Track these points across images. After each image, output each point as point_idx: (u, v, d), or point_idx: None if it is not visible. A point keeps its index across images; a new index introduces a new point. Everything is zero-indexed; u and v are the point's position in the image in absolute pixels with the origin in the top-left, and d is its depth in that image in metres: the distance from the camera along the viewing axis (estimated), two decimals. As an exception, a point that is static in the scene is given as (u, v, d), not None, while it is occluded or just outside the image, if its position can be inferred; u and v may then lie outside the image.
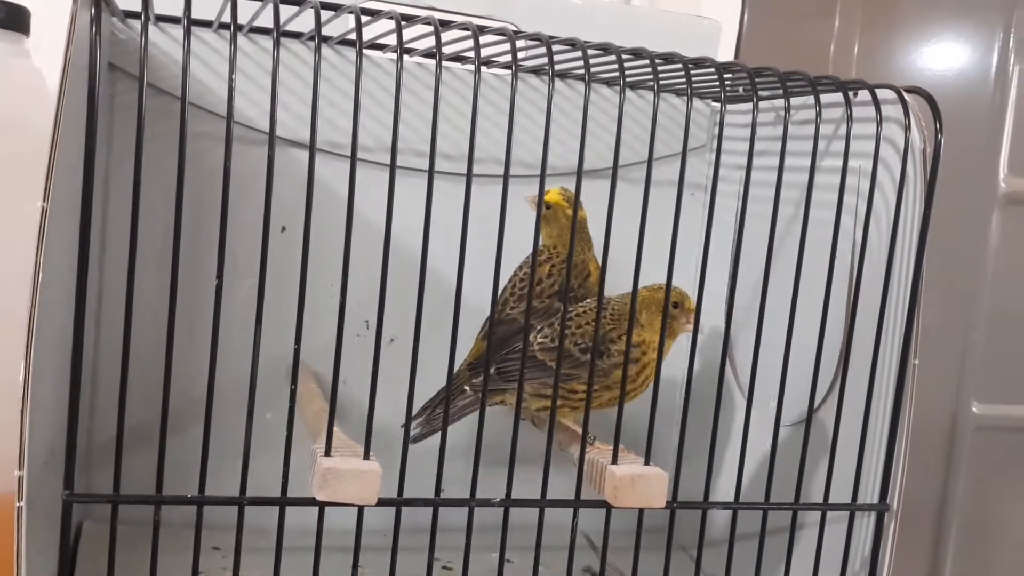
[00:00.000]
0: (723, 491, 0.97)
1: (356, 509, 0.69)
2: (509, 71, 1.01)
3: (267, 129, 0.86)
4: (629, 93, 1.06)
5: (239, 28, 0.75)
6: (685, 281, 0.83)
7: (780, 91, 0.86)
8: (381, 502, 0.69)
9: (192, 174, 0.66)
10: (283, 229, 0.96)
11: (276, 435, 0.70)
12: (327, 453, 0.68)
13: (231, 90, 0.65)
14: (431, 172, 0.69)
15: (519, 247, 0.82)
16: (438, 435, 0.74)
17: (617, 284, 0.84)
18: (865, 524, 0.82)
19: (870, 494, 0.82)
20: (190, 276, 0.72)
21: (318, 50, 0.66)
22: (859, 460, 0.80)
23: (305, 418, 0.80)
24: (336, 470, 0.66)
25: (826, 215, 0.80)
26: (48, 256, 0.62)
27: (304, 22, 0.85)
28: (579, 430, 0.78)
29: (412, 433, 0.76)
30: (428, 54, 0.97)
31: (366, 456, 0.68)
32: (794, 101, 0.95)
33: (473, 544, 0.76)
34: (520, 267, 0.94)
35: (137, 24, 0.91)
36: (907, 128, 0.77)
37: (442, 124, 0.97)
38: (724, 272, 0.96)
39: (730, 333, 0.98)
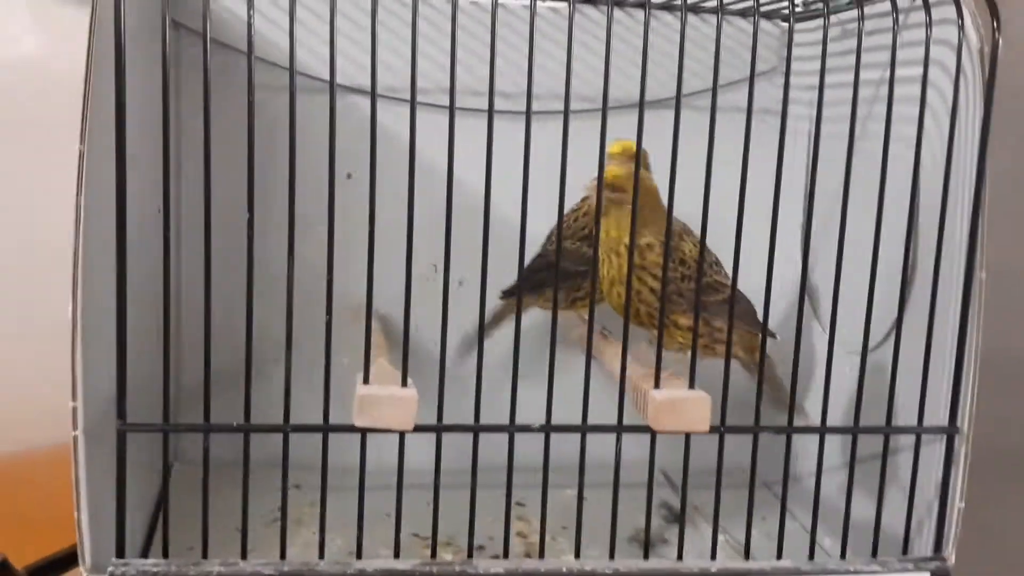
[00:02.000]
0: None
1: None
2: (562, 3, 1.00)
3: (325, 76, 0.88)
4: (689, 18, 1.03)
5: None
6: (757, 212, 0.80)
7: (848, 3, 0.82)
8: (421, 428, 0.70)
9: (257, 126, 0.69)
10: (348, 176, 0.98)
11: (351, 379, 0.72)
12: (366, 381, 0.69)
13: (292, 39, 0.68)
14: (491, 111, 0.70)
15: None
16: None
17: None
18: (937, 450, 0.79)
19: (940, 417, 0.78)
20: (258, 225, 0.73)
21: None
22: (923, 383, 0.77)
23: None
24: (373, 396, 0.68)
25: (894, 130, 0.76)
26: (93, 200, 0.65)
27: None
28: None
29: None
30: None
31: (404, 384, 0.69)
32: (852, 13, 0.92)
33: (549, 481, 0.76)
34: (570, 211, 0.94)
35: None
36: (961, 27, 0.73)
37: (498, 62, 0.97)
38: (794, 198, 0.93)
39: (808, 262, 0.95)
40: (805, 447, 0.97)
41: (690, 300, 0.79)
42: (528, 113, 0.71)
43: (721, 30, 0.73)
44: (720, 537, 0.90)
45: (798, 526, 0.95)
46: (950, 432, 0.77)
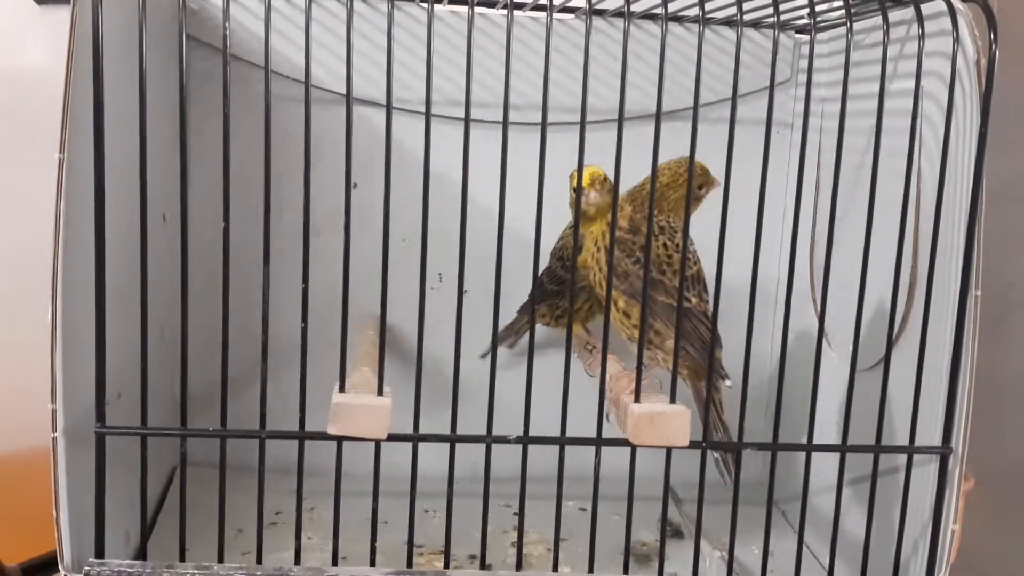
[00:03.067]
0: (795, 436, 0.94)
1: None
2: (571, 16, 1.00)
3: (335, 88, 0.89)
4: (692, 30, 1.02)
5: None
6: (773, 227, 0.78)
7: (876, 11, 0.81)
8: (395, 437, 0.70)
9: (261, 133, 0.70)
10: (354, 185, 0.99)
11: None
12: (342, 390, 0.69)
13: (307, 51, 0.68)
14: (505, 123, 0.70)
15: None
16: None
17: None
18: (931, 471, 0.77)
19: (934, 437, 0.76)
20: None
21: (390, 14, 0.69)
22: (915, 401, 0.75)
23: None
24: (347, 405, 0.68)
25: (893, 142, 0.75)
26: (77, 207, 0.67)
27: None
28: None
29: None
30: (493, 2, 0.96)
31: (380, 393, 0.70)
32: (860, 24, 0.90)
33: (544, 491, 0.76)
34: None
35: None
36: (955, 40, 0.71)
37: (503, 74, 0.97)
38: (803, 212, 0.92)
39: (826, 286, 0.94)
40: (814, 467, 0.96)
41: (635, 286, 0.78)
42: (543, 125, 0.70)
43: (741, 43, 0.72)
44: (716, 553, 0.89)
45: (792, 545, 0.93)
46: (943, 452, 0.75)
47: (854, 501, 0.86)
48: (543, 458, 0.76)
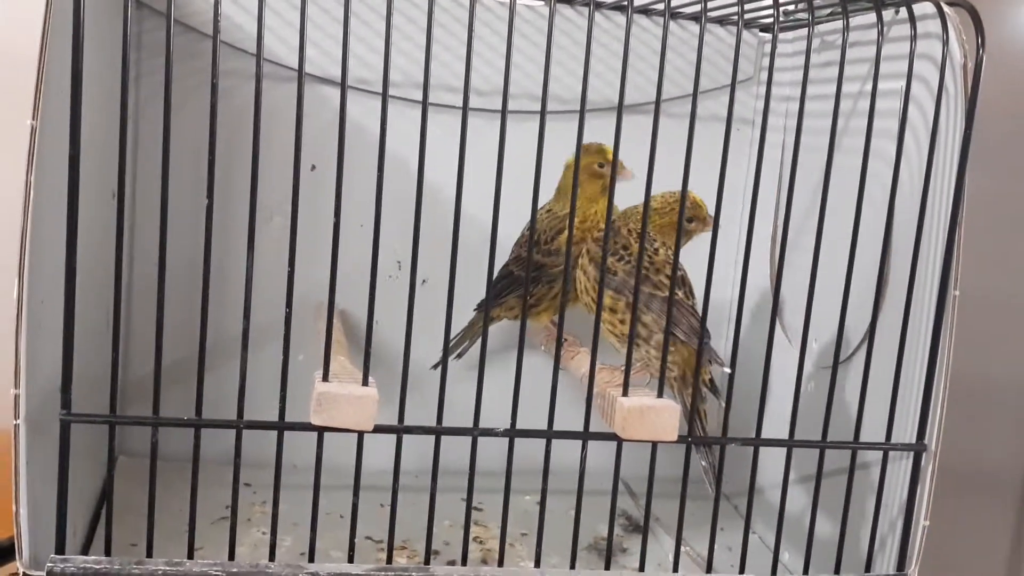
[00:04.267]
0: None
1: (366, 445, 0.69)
2: (539, 2, 0.98)
3: (294, 65, 0.86)
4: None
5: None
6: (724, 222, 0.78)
7: (831, 13, 0.82)
8: (381, 429, 0.68)
9: (221, 112, 0.65)
10: (312, 167, 0.96)
11: (308, 376, 0.70)
12: (325, 379, 0.67)
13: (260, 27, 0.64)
14: (465, 109, 0.68)
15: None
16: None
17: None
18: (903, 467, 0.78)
19: (909, 434, 0.77)
20: (221, 215, 0.70)
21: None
22: (892, 399, 0.76)
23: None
24: (331, 394, 0.65)
25: (873, 144, 0.75)
26: (44, 180, 0.62)
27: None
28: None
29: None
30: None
31: (364, 382, 0.67)
32: (832, 25, 0.91)
33: (492, 485, 0.75)
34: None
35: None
36: (945, 42, 0.72)
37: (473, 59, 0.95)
38: (765, 210, 0.92)
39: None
40: (771, 461, 0.96)
41: (621, 280, 0.78)
42: (504, 112, 0.68)
43: (703, 38, 0.71)
44: (682, 549, 0.89)
45: (756, 539, 0.94)
46: (917, 449, 0.76)
47: (821, 497, 0.86)
48: (494, 452, 0.75)
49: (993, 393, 1.14)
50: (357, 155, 0.73)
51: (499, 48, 0.96)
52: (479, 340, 0.92)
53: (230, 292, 0.87)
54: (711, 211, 0.78)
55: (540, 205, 0.92)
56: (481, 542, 0.91)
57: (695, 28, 1.02)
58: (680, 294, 0.78)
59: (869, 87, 0.84)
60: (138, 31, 0.92)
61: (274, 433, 0.67)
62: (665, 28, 0.69)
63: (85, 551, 0.78)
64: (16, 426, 0.62)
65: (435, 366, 0.90)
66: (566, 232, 0.89)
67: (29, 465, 0.64)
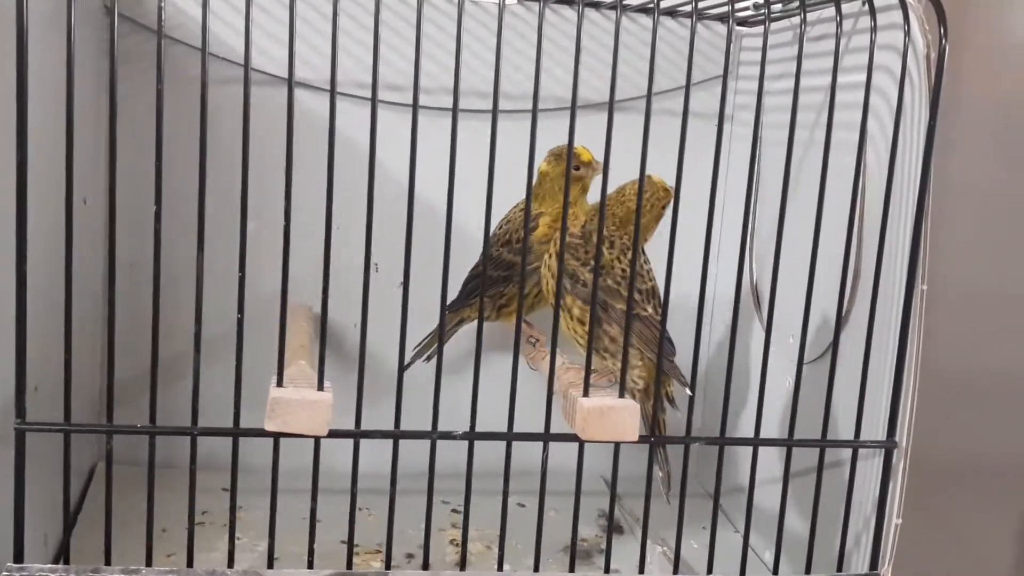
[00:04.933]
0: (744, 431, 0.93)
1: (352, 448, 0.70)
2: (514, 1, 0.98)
3: (277, 73, 0.85)
4: (643, 19, 1.01)
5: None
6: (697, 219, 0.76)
7: (796, 8, 0.81)
8: (337, 434, 0.67)
9: (189, 115, 0.65)
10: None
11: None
12: (279, 384, 0.66)
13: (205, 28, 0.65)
14: (455, 111, 0.68)
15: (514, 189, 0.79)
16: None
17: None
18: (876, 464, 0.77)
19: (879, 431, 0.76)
20: (185, 220, 0.70)
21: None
22: (861, 396, 0.75)
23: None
24: (285, 400, 0.65)
25: (840, 136, 0.74)
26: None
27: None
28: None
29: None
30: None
31: (320, 387, 0.67)
32: (811, 16, 0.90)
33: (483, 487, 0.74)
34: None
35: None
36: (907, 32, 0.71)
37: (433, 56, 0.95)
38: (737, 206, 0.91)
39: (752, 268, 0.94)
40: (746, 459, 0.95)
41: (584, 291, 0.78)
42: (495, 112, 0.68)
43: (657, 32, 0.71)
44: (657, 548, 0.88)
45: (737, 539, 0.93)
46: (888, 447, 0.75)
47: (794, 495, 0.86)
48: (480, 454, 0.74)
49: (979, 387, 1.12)
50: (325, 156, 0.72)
51: (476, 50, 0.95)
52: (449, 342, 0.92)
53: (209, 294, 0.87)
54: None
55: (514, 203, 0.92)
56: (457, 544, 0.90)
57: (669, 23, 1.01)
58: (649, 309, 0.78)
59: (840, 79, 0.83)
60: (104, 36, 0.92)
61: (259, 439, 0.67)
62: (616, 22, 0.68)
63: (58, 560, 0.78)
64: (-30, 435, 0.62)
65: (404, 368, 0.89)
66: (538, 230, 0.89)
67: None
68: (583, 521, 0.91)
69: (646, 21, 0.98)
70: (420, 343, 0.93)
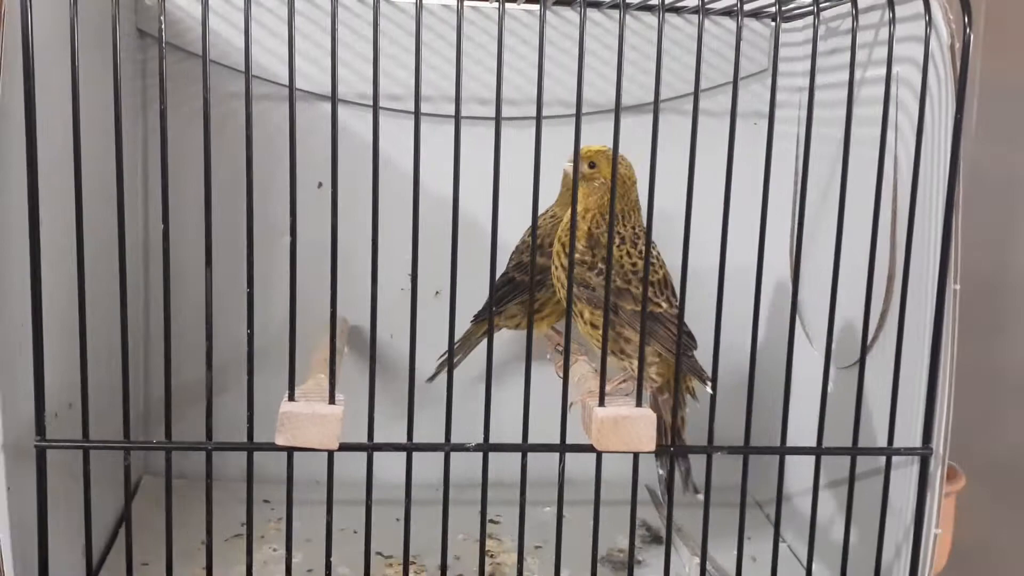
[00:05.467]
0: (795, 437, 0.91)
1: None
2: (532, 5, 0.97)
3: (310, 89, 0.85)
4: (675, 19, 0.99)
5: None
6: (744, 221, 0.74)
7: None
8: (350, 447, 0.67)
9: (230, 133, 0.66)
10: (319, 185, 0.96)
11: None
12: (291, 398, 0.67)
13: (247, 44, 0.66)
14: (457, 118, 0.68)
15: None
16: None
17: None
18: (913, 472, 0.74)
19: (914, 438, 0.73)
20: (232, 235, 0.71)
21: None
22: (893, 400, 0.72)
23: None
24: (293, 414, 0.65)
25: (872, 132, 0.72)
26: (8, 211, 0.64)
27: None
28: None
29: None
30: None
31: (332, 400, 0.67)
32: (837, 10, 0.87)
33: (529, 497, 0.73)
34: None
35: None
36: (927, 23, 0.68)
37: (476, 68, 0.95)
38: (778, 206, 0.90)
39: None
40: (800, 468, 0.93)
41: (599, 295, 0.76)
42: (498, 119, 0.68)
43: (703, 30, 0.69)
44: (694, 559, 0.86)
45: (783, 549, 0.90)
46: (923, 454, 0.72)
47: (835, 503, 0.83)
48: (517, 465, 0.73)
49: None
50: (367, 171, 0.70)
51: (494, 54, 0.95)
52: (473, 352, 0.92)
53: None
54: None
55: (543, 210, 0.91)
56: (492, 556, 0.90)
57: (707, 23, 0.99)
58: (664, 305, 0.76)
59: (870, 73, 0.81)
60: (143, 59, 0.94)
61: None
62: (700, 26, 0.67)
63: (96, 573, 0.80)
64: (-8, 453, 0.64)
65: (431, 379, 0.89)
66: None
67: (11, 492, 0.65)
68: (620, 530, 0.90)
69: (660, 20, 0.96)
70: (445, 353, 0.92)
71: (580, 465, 0.75)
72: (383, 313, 0.71)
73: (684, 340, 0.74)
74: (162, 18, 0.64)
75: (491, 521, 0.95)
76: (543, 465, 0.75)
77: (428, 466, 0.75)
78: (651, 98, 0.69)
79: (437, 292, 0.99)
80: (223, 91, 0.90)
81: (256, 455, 0.68)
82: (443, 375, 0.90)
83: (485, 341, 0.93)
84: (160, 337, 0.78)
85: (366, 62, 0.96)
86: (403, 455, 0.70)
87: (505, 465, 0.73)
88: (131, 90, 0.93)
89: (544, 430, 0.72)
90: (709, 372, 0.73)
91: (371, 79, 0.66)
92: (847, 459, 0.74)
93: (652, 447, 0.68)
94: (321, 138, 0.69)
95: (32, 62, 0.61)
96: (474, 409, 0.71)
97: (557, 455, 0.71)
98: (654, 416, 0.68)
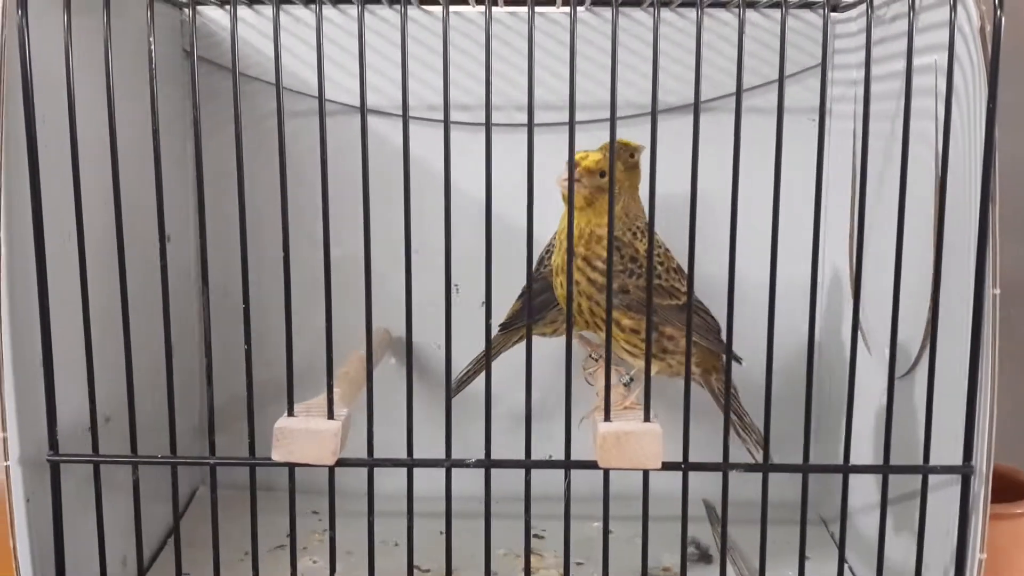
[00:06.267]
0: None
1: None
2: (560, 11, 0.94)
3: (351, 102, 0.86)
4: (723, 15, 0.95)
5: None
6: (793, 221, 0.72)
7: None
8: (350, 463, 0.67)
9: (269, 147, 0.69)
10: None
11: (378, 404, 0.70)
12: (289, 413, 0.67)
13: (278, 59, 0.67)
14: (485, 127, 0.67)
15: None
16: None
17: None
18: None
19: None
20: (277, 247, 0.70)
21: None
22: (928, 416, 0.67)
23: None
24: (289, 430, 0.65)
25: (925, 126, 0.69)
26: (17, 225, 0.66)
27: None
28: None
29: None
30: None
31: (330, 415, 0.66)
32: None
33: (572, 512, 0.71)
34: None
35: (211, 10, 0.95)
36: (952, 6, 0.63)
37: (510, 75, 0.93)
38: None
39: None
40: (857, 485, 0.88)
41: (637, 298, 0.74)
42: (530, 125, 0.66)
43: (744, 24, 0.67)
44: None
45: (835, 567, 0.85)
46: (964, 472, 0.66)
47: (890, 522, 0.78)
48: (550, 477, 0.72)
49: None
50: (392, 180, 0.70)
51: (516, 63, 0.94)
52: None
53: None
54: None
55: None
56: (534, 572, 0.88)
57: (756, 17, 0.95)
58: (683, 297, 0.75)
59: (918, 62, 0.75)
60: (186, 80, 0.96)
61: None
62: (741, 21, 0.65)
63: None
64: (7, 468, 0.66)
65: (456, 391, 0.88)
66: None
67: (31, 505, 0.67)
68: (668, 548, 0.87)
69: (699, 16, 0.92)
70: (469, 367, 0.91)
71: (626, 480, 0.71)
72: (431, 323, 0.71)
73: (711, 321, 0.74)
74: (194, 36, 0.69)
75: (535, 536, 0.93)
76: (587, 479, 0.72)
77: (469, 481, 0.73)
78: (701, 97, 0.66)
79: (483, 302, 0.97)
80: (268, 108, 0.92)
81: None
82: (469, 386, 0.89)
83: (507, 351, 0.91)
84: (220, 349, 0.79)
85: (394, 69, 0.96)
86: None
87: (546, 478, 0.73)
88: (181, 111, 0.95)
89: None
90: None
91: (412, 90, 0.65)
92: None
93: (658, 464, 0.65)
94: (377, 151, 0.69)
95: (72, 89, 0.64)
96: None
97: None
98: (659, 431, 0.65)
